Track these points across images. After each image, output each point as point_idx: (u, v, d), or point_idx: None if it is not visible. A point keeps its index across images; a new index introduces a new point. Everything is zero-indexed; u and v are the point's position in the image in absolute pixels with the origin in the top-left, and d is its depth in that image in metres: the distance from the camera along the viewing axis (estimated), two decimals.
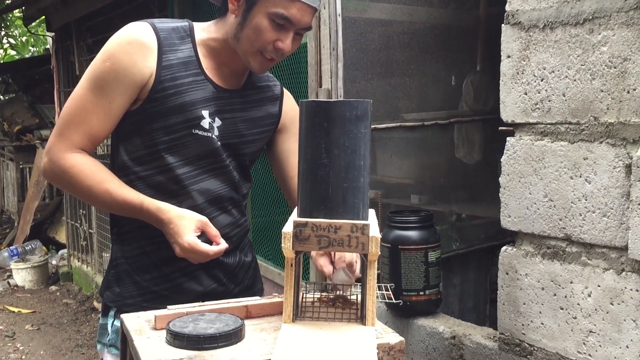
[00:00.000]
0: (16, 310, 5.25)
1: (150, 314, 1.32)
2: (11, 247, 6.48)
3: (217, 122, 1.53)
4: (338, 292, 1.42)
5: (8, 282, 6.04)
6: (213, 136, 1.52)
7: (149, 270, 1.55)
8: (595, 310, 1.49)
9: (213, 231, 1.46)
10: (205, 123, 1.50)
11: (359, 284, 1.41)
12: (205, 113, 1.50)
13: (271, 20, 1.42)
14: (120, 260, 1.57)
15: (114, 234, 1.59)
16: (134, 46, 1.44)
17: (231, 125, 1.55)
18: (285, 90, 1.71)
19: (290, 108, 1.68)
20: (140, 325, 1.29)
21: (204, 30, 1.54)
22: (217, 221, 1.56)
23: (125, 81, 1.44)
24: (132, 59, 1.44)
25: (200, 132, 1.50)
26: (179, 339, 1.17)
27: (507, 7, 1.65)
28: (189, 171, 1.51)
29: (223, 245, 1.45)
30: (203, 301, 1.38)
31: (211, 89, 1.51)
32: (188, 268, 1.53)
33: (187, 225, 1.43)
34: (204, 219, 1.46)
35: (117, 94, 1.44)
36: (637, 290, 1.40)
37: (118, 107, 1.46)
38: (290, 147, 1.67)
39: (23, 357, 4.30)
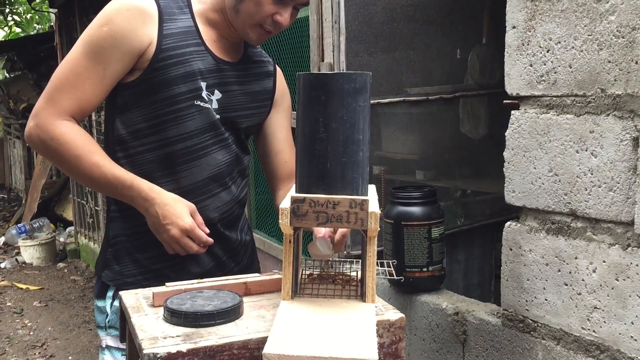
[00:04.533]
0: (24, 287, 5.30)
1: (149, 291, 1.31)
2: (19, 225, 6.52)
3: (217, 95, 1.51)
4: (337, 269, 1.41)
5: (16, 259, 6.09)
6: (212, 108, 1.49)
7: (149, 249, 1.51)
8: (600, 286, 1.46)
9: (200, 219, 1.45)
10: (204, 94, 1.48)
11: (351, 259, 1.40)
12: (203, 85, 1.48)
13: None
14: (120, 238, 1.53)
15: (113, 212, 1.54)
16: (134, 12, 1.40)
17: (231, 99, 1.53)
18: (277, 68, 1.70)
19: (281, 84, 1.68)
20: (139, 302, 1.28)
21: (199, 2, 1.52)
22: (218, 198, 1.54)
23: (122, 48, 1.40)
24: (131, 24, 1.40)
25: (201, 104, 1.48)
26: (176, 316, 1.16)
27: None
28: (191, 145, 1.48)
29: (210, 239, 1.45)
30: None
31: (211, 60, 1.49)
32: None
33: (184, 209, 1.43)
34: (193, 206, 1.45)
35: (113, 60, 1.40)
36: None
37: (112, 74, 1.42)
38: (279, 121, 1.67)
39: (31, 333, 4.34)
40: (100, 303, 1.57)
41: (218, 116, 1.51)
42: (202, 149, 1.50)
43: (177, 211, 1.41)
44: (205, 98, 1.48)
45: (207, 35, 1.50)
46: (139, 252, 1.53)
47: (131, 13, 1.40)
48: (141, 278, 1.52)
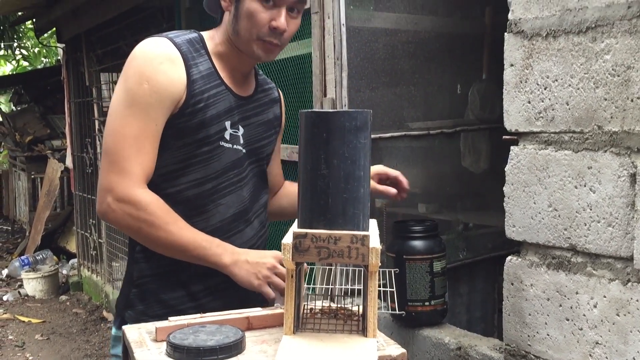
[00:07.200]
0: (26, 320, 5.27)
1: (152, 326, 1.32)
2: (22, 257, 6.52)
3: (241, 130, 1.54)
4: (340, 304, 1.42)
5: (19, 292, 6.07)
6: (236, 146, 1.53)
7: (175, 289, 1.53)
8: (601, 321, 1.47)
9: None
10: (227, 135, 1.51)
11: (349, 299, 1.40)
12: (227, 124, 1.51)
13: (259, 1, 1.43)
14: (146, 279, 1.54)
15: (138, 252, 1.54)
16: (167, 65, 1.42)
17: (252, 131, 1.58)
18: (279, 91, 1.74)
19: (284, 110, 1.74)
20: (141, 336, 1.29)
21: (211, 39, 1.54)
22: (243, 234, 1.57)
23: (167, 101, 1.42)
24: (168, 76, 1.42)
25: (225, 144, 1.50)
26: (178, 351, 1.17)
27: (510, 16, 1.64)
28: (218, 184, 1.51)
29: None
30: None
31: (232, 98, 1.52)
32: (215, 287, 1.53)
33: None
34: None
35: (161, 114, 1.42)
36: None
37: (162, 127, 1.44)
38: (276, 147, 1.74)
39: None
40: (118, 333, 1.56)
41: (245, 150, 1.55)
42: (227, 187, 1.53)
43: (261, 252, 1.49)
44: (228, 138, 1.51)
45: (224, 72, 1.53)
46: (165, 293, 1.53)
47: (165, 66, 1.42)
48: (166, 319, 1.51)
